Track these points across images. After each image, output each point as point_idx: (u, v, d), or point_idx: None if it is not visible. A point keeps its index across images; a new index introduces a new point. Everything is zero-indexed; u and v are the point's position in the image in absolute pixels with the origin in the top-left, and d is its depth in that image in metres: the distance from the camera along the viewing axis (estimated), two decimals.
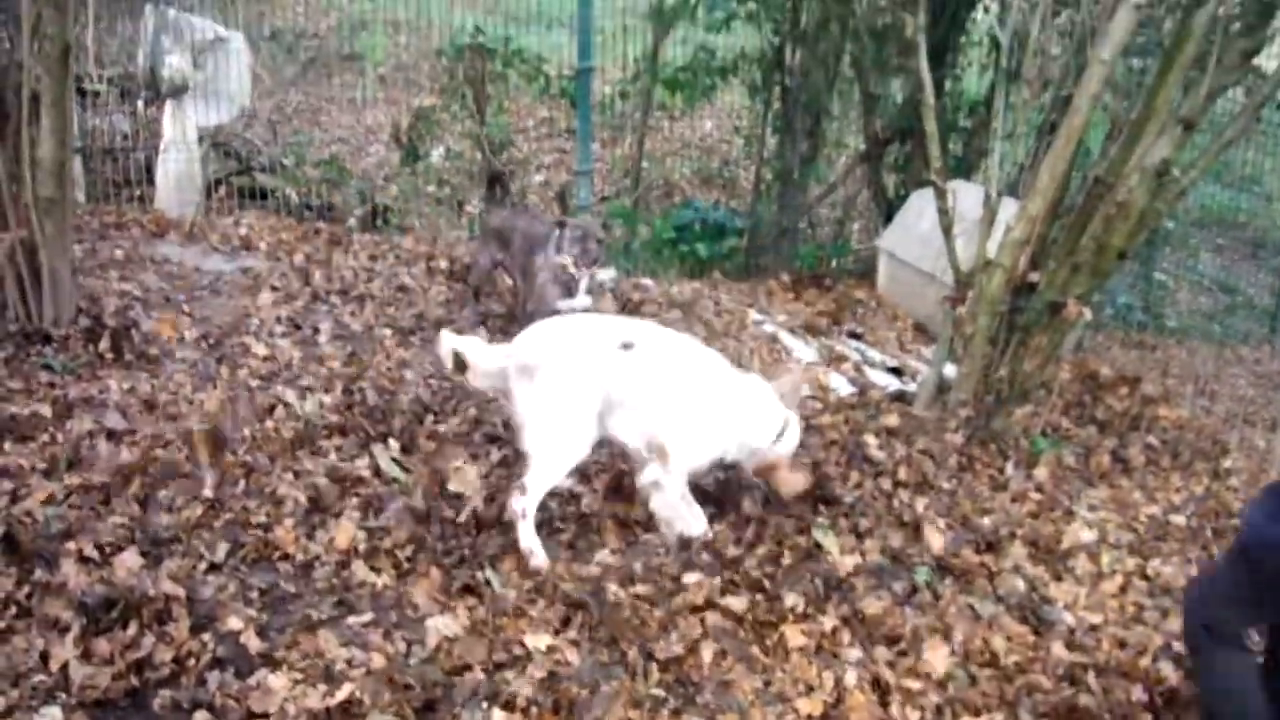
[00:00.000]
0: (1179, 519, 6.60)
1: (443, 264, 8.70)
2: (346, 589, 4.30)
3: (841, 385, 7.73)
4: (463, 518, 4.84)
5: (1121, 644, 5.15)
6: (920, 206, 9.99)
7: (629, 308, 8.17)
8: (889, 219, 10.98)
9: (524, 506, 4.77)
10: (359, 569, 4.38)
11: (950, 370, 7.42)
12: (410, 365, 6.56)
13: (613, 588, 4.53)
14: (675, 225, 11.00)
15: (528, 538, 4.75)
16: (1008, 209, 7.28)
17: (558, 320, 5.42)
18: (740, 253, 11.20)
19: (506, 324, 7.51)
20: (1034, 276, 6.86)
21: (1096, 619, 5.33)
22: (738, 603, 4.59)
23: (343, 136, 12.80)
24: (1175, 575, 5.90)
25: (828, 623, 4.63)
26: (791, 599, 4.69)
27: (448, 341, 5.05)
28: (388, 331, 7.11)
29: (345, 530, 4.54)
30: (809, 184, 11.62)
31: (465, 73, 10.07)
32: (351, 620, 4.12)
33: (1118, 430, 7.90)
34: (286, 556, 4.44)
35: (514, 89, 11.91)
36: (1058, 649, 5.01)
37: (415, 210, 10.55)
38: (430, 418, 5.80)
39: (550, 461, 4.88)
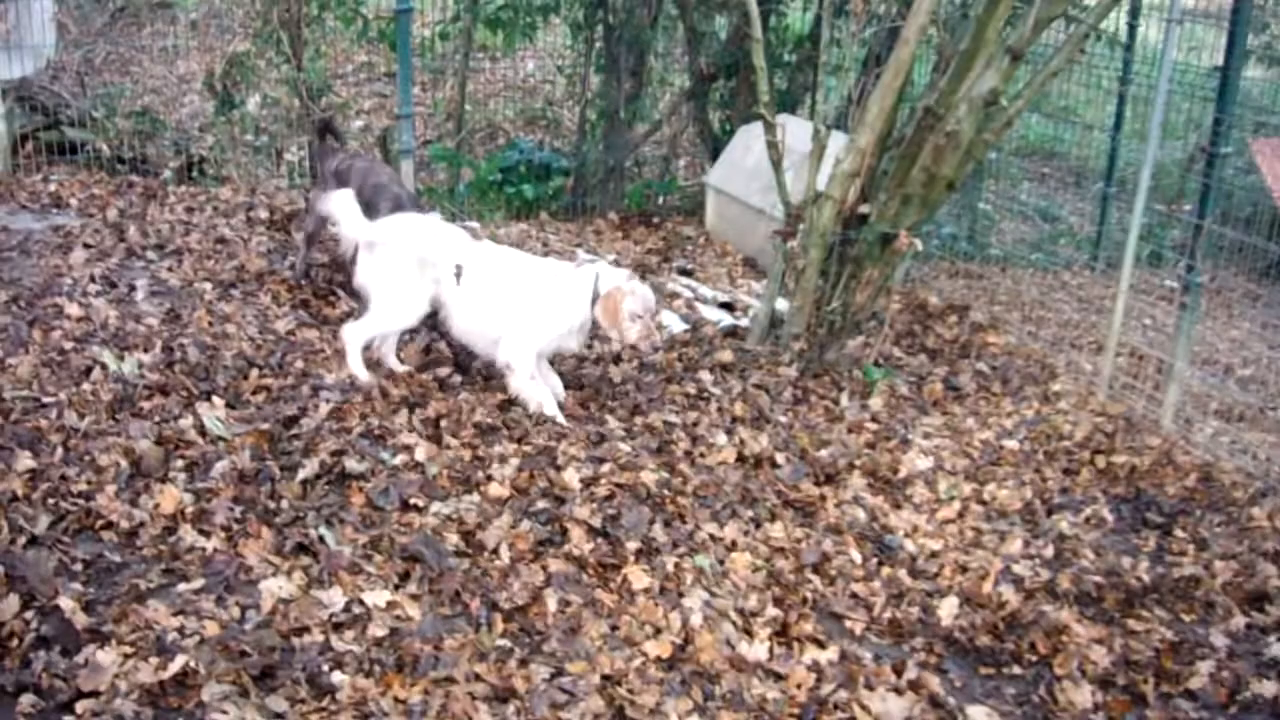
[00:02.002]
0: (1012, 443, 6.73)
1: (263, 214, 8.37)
2: (175, 556, 4.06)
3: (674, 322, 7.69)
4: (300, 477, 4.65)
5: (963, 569, 5.23)
6: (747, 142, 9.96)
7: None
8: (715, 156, 10.95)
9: (352, 338, 5.87)
10: (187, 534, 4.14)
11: (782, 304, 7.42)
12: (232, 319, 6.28)
13: (451, 538, 4.42)
14: (500, 167, 10.80)
15: (355, 365, 5.84)
16: (836, 142, 7.29)
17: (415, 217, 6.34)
18: (567, 193, 11.07)
19: (331, 273, 7.28)
20: (864, 209, 6.89)
21: (936, 545, 5.43)
22: (579, 547, 4.52)
23: (156, 88, 12.27)
24: (1010, 499, 6.03)
25: (669, 562, 4.59)
26: (632, 542, 4.64)
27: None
28: (208, 286, 6.77)
29: (170, 494, 4.29)
30: (634, 123, 11.50)
31: (280, 16, 9.69)
32: (182, 588, 3.89)
33: (948, 358, 8.04)
34: (110, 525, 4.17)
35: (330, 33, 11.53)
36: (902, 576, 5.07)
37: (233, 160, 10.15)
38: (255, 372, 5.56)
39: (381, 313, 5.96)
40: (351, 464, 4.76)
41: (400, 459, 4.93)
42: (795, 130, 7.65)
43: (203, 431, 4.85)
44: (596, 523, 4.70)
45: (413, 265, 5.96)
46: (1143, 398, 7.76)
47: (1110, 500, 6.24)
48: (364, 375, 5.80)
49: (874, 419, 6.71)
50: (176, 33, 13.06)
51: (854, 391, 6.96)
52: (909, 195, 6.70)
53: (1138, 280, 10.92)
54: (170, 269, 7.05)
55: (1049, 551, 5.51)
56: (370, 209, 6.56)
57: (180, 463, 4.60)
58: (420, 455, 4.96)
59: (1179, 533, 5.92)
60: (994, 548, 5.50)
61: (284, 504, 4.45)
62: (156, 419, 4.92)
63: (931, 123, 6.46)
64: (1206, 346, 9.14)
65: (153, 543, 4.12)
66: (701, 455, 5.69)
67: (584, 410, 6.02)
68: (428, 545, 4.28)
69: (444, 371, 6.15)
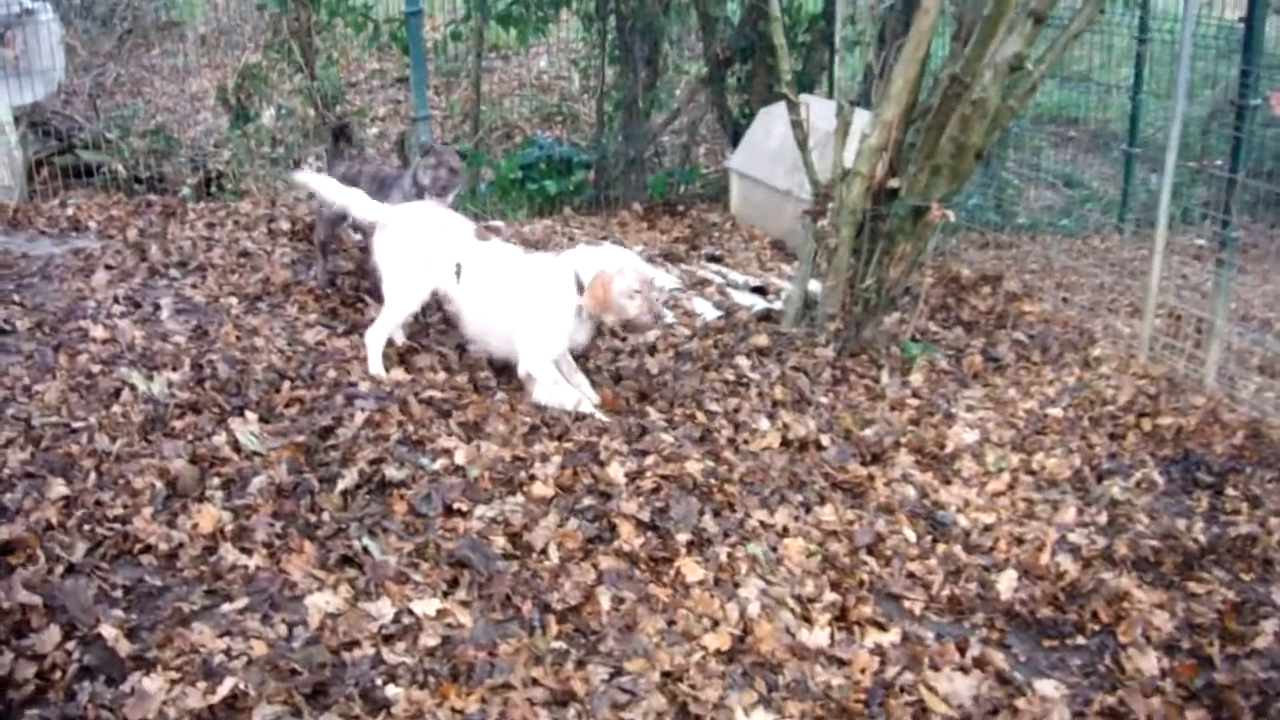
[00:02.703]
0: (1056, 411, 6.63)
1: (284, 225, 8.32)
2: (217, 576, 3.96)
3: (707, 309, 7.59)
4: (340, 488, 4.56)
5: (1019, 541, 5.14)
6: (767, 124, 9.86)
7: None
8: (736, 140, 10.83)
9: (373, 340, 5.95)
10: (228, 553, 4.05)
11: (814, 285, 7.31)
12: (260, 333, 6.21)
13: (498, 541, 4.33)
14: (520, 164, 10.71)
15: (376, 367, 5.89)
16: (860, 119, 7.18)
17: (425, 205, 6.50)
18: (589, 187, 10.97)
19: (358, 280, 7.21)
20: (893, 183, 6.77)
21: (989, 519, 5.32)
22: (629, 543, 4.43)
23: (169, 106, 12.22)
24: (1059, 467, 5.93)
25: (722, 552, 4.49)
26: (683, 534, 4.55)
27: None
28: (233, 300, 6.72)
29: (209, 514, 4.20)
30: (652, 112, 11.40)
31: (290, 25, 9.65)
32: (226, 608, 3.80)
33: (984, 329, 7.92)
34: (149, 548, 4.07)
35: (341, 40, 11.48)
36: (957, 551, 4.98)
37: (251, 173, 10.11)
38: (287, 384, 5.47)
39: (393, 303, 6.08)
40: (391, 472, 4.66)
41: (440, 464, 4.84)
42: (817, 109, 7.51)
43: (237, 448, 4.76)
44: (645, 516, 4.60)
45: (419, 249, 6.05)
46: (1184, 358, 7.63)
47: (1159, 463, 6.15)
48: (386, 375, 5.83)
49: (915, 395, 6.61)
50: (186, 50, 13.01)
51: (893, 369, 6.85)
52: (938, 166, 6.58)
53: (1169, 240, 10.95)
54: (194, 286, 6.99)
55: (1103, 518, 5.42)
56: (386, 200, 6.55)
57: (216, 480, 4.51)
58: (460, 459, 4.87)
59: (1231, 491, 5.83)
60: (1047, 518, 5.40)
61: (325, 516, 4.36)
62: (190, 437, 4.83)
63: (958, 91, 6.34)
64: (1242, 303, 9.00)
65: (193, 564, 4.03)
66: (745, 442, 5.59)
67: (623, 404, 5.92)
68: (474, 550, 4.19)
69: (482, 374, 6.05)
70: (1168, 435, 6.46)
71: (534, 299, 5.81)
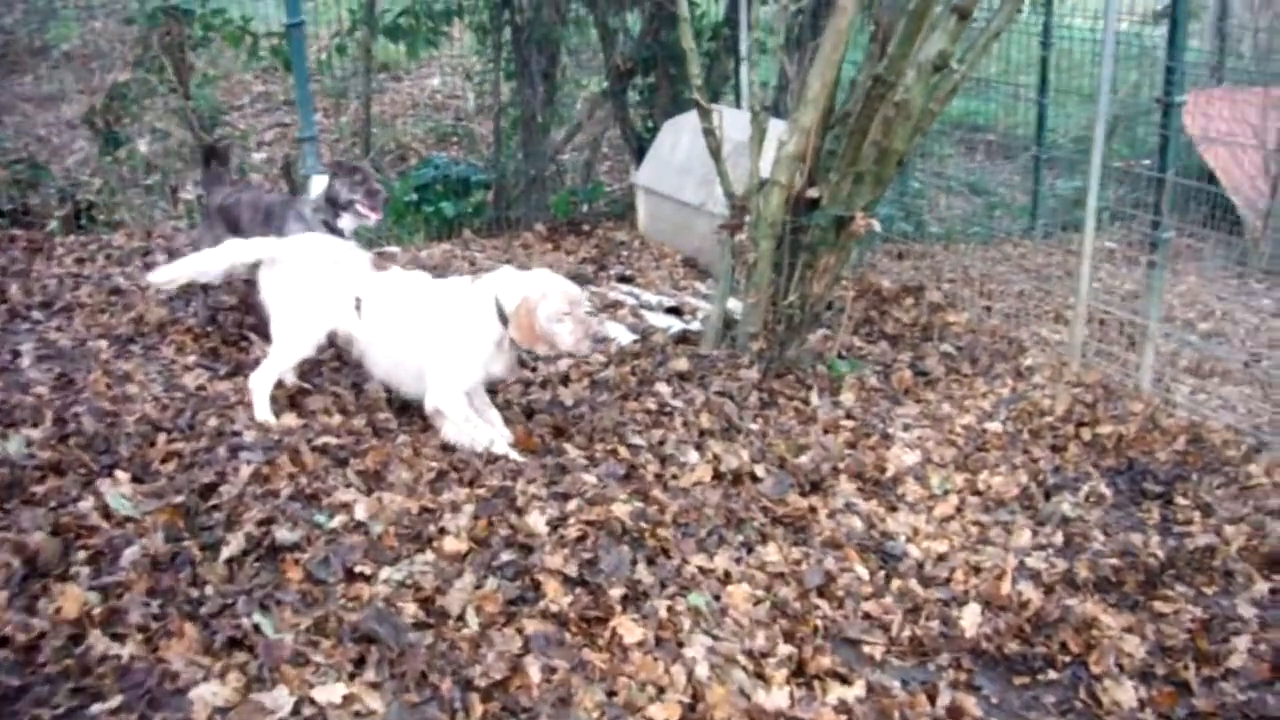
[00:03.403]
0: (994, 426, 6.39)
1: (160, 258, 7.56)
2: (85, 670, 3.34)
3: (621, 333, 7.12)
4: (224, 556, 3.99)
5: (975, 570, 4.82)
6: (673, 137, 9.47)
7: None
8: (640, 155, 10.44)
9: (258, 385, 5.31)
10: (97, 641, 3.44)
11: (733, 303, 6.90)
12: (133, 379, 5.55)
13: (409, 608, 3.81)
14: (415, 185, 10.17)
15: (262, 411, 5.24)
16: (774, 126, 6.80)
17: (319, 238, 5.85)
18: (488, 208, 10.44)
19: (241, 315, 6.60)
20: (813, 192, 6.40)
21: (942, 547, 5.00)
22: (557, 602, 3.93)
23: (40, 135, 11.47)
24: (1006, 485, 5.67)
25: (660, 607, 4.02)
26: (615, 588, 4.07)
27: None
28: (103, 343, 6.01)
29: (73, 595, 3.59)
30: (551, 128, 10.93)
31: (161, 40, 9.00)
32: (96, 710, 3.20)
33: (910, 343, 7.66)
34: (4, 641, 3.46)
35: (218, 56, 10.86)
36: (913, 586, 4.62)
37: (124, 203, 9.41)
38: (163, 437, 4.82)
39: (282, 345, 5.43)
40: (283, 534, 4.08)
41: (339, 520, 4.26)
42: (728, 119, 7.14)
43: (107, 513, 4.12)
44: (572, 570, 4.09)
45: (312, 285, 5.44)
46: (1117, 363, 7.47)
47: (1104, 474, 5.97)
48: (275, 421, 5.17)
49: (849, 415, 6.24)
50: (61, 78, 12.24)
51: (822, 389, 6.47)
52: (861, 173, 6.21)
53: (1076, 247, 10.85)
54: (59, 328, 6.25)
55: (1058, 538, 5.19)
56: (278, 232, 6.01)
57: (83, 554, 3.86)
58: (361, 513, 4.31)
59: (1181, 500, 5.68)
60: (1002, 542, 5.10)
61: (208, 590, 3.76)
62: (52, 504, 4.17)
63: (882, 92, 5.96)
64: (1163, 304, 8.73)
65: (56, 657, 3.39)
66: (674, 477, 5.12)
67: (539, 442, 5.38)
68: (382, 621, 3.65)
69: (381, 415, 5.46)
70: (1109, 444, 6.29)
71: (447, 328, 5.20)
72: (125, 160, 9.62)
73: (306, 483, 4.53)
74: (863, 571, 4.61)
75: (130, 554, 3.88)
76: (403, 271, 5.67)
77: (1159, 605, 4.64)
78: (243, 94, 13.21)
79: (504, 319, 5.13)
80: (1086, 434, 6.37)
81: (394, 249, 8.50)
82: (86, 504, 4.18)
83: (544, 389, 6.06)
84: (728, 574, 4.37)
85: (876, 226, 6.43)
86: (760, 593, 4.27)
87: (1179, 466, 6.05)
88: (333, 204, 6.28)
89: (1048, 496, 5.64)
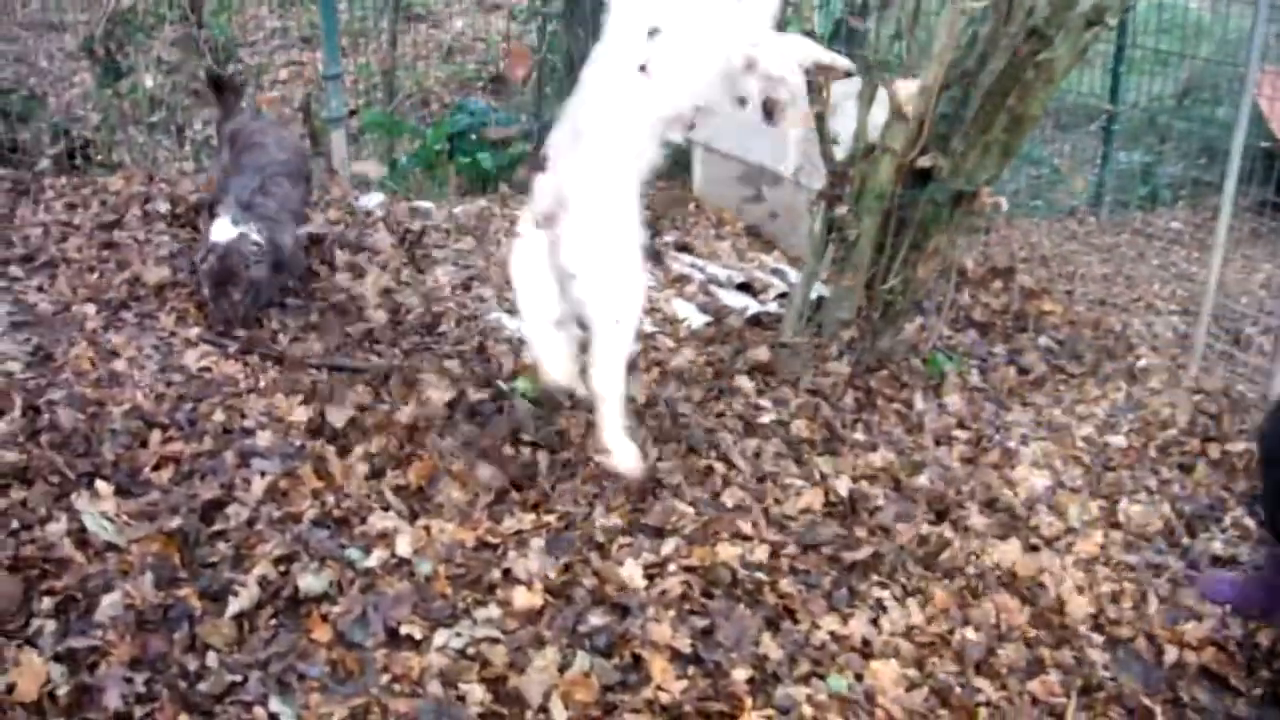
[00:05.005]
0: (1118, 439, 5.57)
1: (163, 207, 6.52)
2: None
3: (691, 314, 6.19)
4: (232, 609, 3.08)
5: (1149, 636, 3.97)
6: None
7: (407, 240, 6.47)
8: None
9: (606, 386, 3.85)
10: None
11: (820, 284, 5.99)
12: (123, 354, 4.54)
13: (474, 692, 2.90)
14: (449, 134, 9.21)
15: (614, 432, 3.88)
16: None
17: None
18: (531, 160, 9.49)
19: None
20: (924, 161, 5.45)
21: (1093, 604, 4.12)
22: (668, 689, 3.01)
23: (42, 66, 10.47)
24: (1147, 516, 4.85)
25: (798, 696, 3.11)
26: (740, 668, 3.15)
27: None
28: (90, 309, 4.93)
29: (32, 669, 2.69)
30: None
31: None
32: None
33: (1003, 332, 6.78)
34: None
35: None
36: (1084, 655, 3.79)
37: (125, 142, 8.44)
38: (157, 435, 3.85)
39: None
40: (308, 578, 3.17)
41: (376, 557, 3.36)
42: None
43: (83, 540, 3.20)
44: (683, 643, 3.18)
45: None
46: (1242, 367, 6.68)
47: (1240, 501, 5.14)
48: (632, 455, 3.96)
49: (960, 423, 5.35)
50: (62, 4, 11.25)
51: (924, 388, 5.58)
52: (989, 143, 5.30)
53: (1141, 224, 10.18)
54: (41, 288, 5.21)
55: None
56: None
57: (48, 603, 2.96)
58: (404, 547, 3.39)
59: None
60: (1168, 595, 4.27)
61: (210, 660, 2.86)
62: (13, 526, 3.26)
63: (1036, 48, 5.03)
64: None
65: None
66: (778, 502, 4.20)
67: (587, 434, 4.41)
68: (440, 714, 2.76)
69: (422, 409, 4.49)
70: (1239, 464, 5.44)
71: None
72: (127, 94, 8.62)
73: (335, 502, 3.61)
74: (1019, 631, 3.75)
75: (110, 604, 2.95)
76: None
77: None
78: (256, 30, 12.22)
79: None
80: (1214, 451, 5.55)
81: (426, 204, 7.51)
82: (58, 526, 3.24)
83: None
84: (867, 643, 3.46)
85: (1004, 205, 5.55)
86: (912, 672, 3.36)
87: None
88: None
89: (1190, 531, 4.85)
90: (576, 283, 3.79)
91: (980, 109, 5.30)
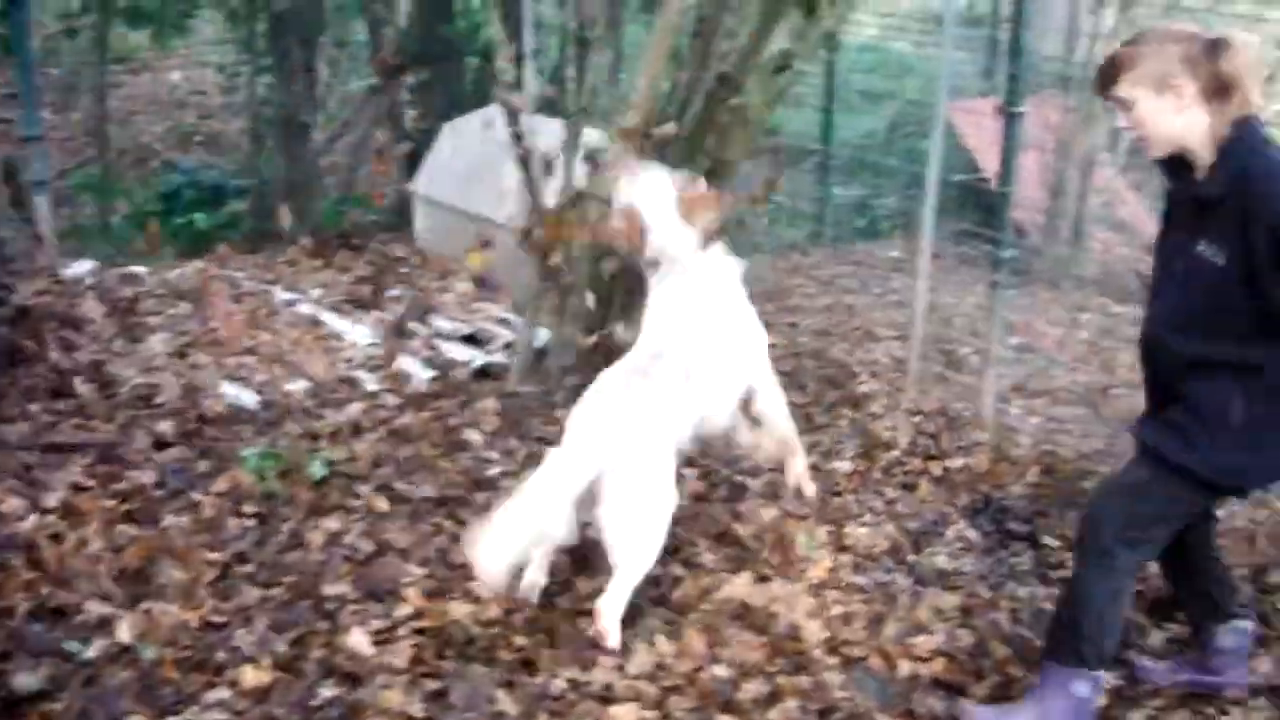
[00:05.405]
0: (843, 465, 5.78)
1: None
2: None
3: (416, 369, 6.18)
4: None
5: (884, 655, 4.13)
6: (454, 141, 8.53)
7: (119, 307, 6.27)
8: (413, 160, 9.47)
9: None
10: None
11: (543, 332, 6.06)
12: None
13: None
14: (161, 194, 8.96)
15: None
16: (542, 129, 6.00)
17: None
18: (247, 218, 9.30)
19: None
20: None
21: (825, 632, 4.23)
22: None
23: None
24: (874, 538, 5.03)
25: None
26: None
27: None
28: None
29: None
30: (314, 129, 9.84)
31: None
32: None
33: None
34: None
35: None
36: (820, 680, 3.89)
37: None
38: None
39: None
40: (23, 677, 3.01)
41: (97, 646, 3.22)
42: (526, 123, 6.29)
43: None
44: (416, 709, 3.17)
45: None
46: (955, 388, 6.99)
47: (963, 514, 5.43)
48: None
49: (689, 461, 5.41)
50: None
51: None
52: None
53: (862, 256, 10.64)
54: None
55: (950, 600, 4.58)
56: None
57: None
58: (125, 634, 3.27)
59: (1048, 540, 5.21)
60: (899, 614, 4.42)
61: None
62: None
63: (726, 95, 5.20)
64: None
65: None
66: None
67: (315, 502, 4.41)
68: None
69: (139, 485, 4.36)
70: (960, 480, 5.75)
71: None
72: None
73: (50, 593, 3.46)
74: (768, 668, 3.85)
75: None
76: None
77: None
78: None
79: None
80: (936, 469, 5.84)
81: (139, 269, 7.26)
82: None
83: (333, 441, 5.07)
84: (609, 688, 3.50)
85: None
86: (651, 714, 3.41)
87: (1036, 501, 5.59)
88: None
89: (916, 547, 5.06)
90: (608, 531, 3.85)
91: (680, 155, 5.43)
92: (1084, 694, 3.75)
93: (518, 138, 5.81)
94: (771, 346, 7.02)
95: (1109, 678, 4.11)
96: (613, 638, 3.76)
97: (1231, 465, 3.57)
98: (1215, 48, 3.46)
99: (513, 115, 5.78)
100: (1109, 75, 3.60)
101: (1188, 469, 3.58)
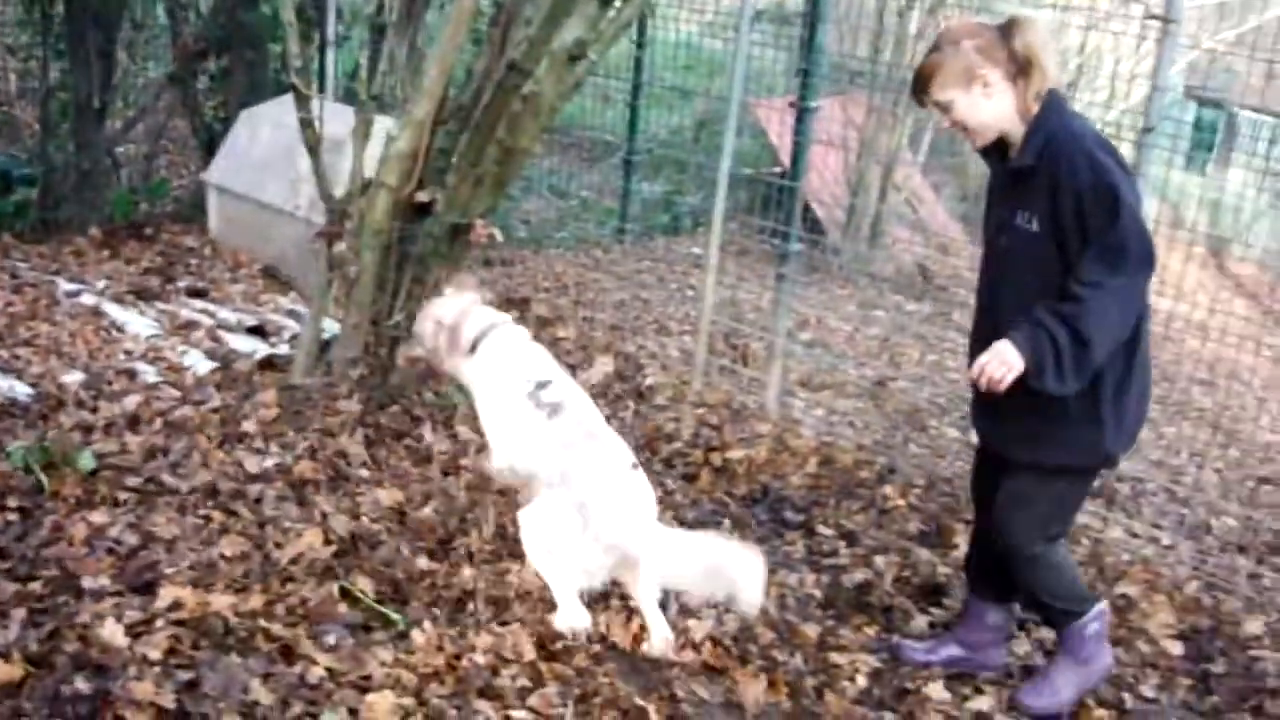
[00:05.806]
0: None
1: None
2: None
3: (198, 361, 6.10)
4: None
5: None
6: (252, 130, 8.44)
7: None
8: (210, 149, 9.31)
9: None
10: None
11: (329, 323, 6.02)
12: None
13: None
14: None
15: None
16: (382, 121, 5.97)
17: None
18: (33, 207, 9.01)
19: None
20: (423, 196, 5.59)
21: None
22: None
23: None
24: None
25: None
26: (227, 717, 3.14)
27: None
28: None
29: None
30: (109, 115, 9.58)
31: None
32: None
33: None
34: None
35: None
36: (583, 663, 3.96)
37: None
38: None
39: None
40: None
41: None
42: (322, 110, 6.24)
43: None
44: (168, 700, 3.11)
45: None
46: (740, 381, 7.19)
47: (740, 503, 5.63)
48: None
49: (468, 452, 5.47)
50: None
51: (435, 421, 5.66)
52: (481, 176, 5.48)
53: (664, 251, 10.79)
54: None
55: None
56: None
57: None
58: None
59: (823, 529, 5.45)
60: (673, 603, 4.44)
61: None
62: None
63: (516, 82, 5.22)
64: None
65: None
66: (279, 546, 4.17)
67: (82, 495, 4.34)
68: None
69: None
70: (740, 470, 5.92)
71: None
72: None
73: None
74: (529, 656, 3.88)
75: None
76: None
77: (834, 656, 4.35)
78: None
79: None
80: (717, 459, 5.98)
81: None
82: None
83: (108, 434, 4.98)
84: (367, 677, 3.51)
85: (499, 236, 5.77)
86: (409, 700, 3.44)
87: (814, 491, 5.82)
88: None
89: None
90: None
91: (471, 142, 5.47)
92: (1096, 625, 4.15)
93: (307, 125, 5.77)
94: (563, 340, 7.24)
95: (872, 660, 4.39)
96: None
97: (1099, 443, 3.86)
98: (1007, 30, 3.73)
99: (302, 102, 5.73)
100: (921, 85, 3.84)
101: (1065, 466, 3.92)
